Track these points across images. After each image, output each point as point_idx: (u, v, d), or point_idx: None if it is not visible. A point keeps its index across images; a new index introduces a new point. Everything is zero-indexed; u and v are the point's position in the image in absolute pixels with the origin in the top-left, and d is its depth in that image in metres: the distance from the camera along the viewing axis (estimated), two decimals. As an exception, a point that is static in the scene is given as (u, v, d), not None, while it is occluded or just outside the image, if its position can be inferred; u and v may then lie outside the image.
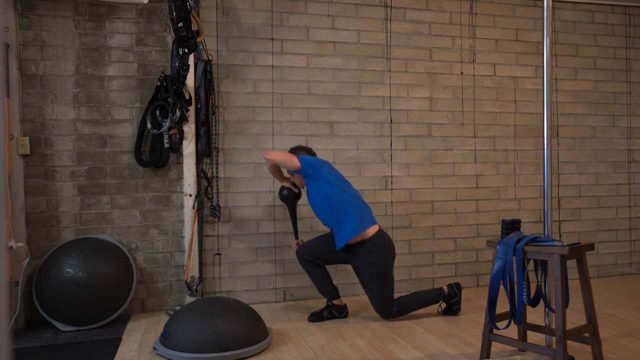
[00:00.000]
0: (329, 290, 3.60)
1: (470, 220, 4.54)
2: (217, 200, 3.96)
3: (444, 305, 3.85)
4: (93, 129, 3.78)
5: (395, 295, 4.11)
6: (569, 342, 2.97)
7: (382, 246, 3.43)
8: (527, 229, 4.65)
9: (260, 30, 4.09)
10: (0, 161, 0.94)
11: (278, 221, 4.11)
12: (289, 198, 3.66)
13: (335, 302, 3.62)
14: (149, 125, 3.72)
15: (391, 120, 4.34)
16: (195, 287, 3.80)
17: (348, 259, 3.54)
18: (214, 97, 3.95)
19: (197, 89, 3.86)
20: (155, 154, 3.76)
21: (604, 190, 4.89)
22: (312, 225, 4.14)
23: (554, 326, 2.75)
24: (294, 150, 3.61)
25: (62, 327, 3.41)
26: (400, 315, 3.53)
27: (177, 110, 3.72)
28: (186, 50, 3.48)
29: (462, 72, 4.51)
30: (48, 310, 3.40)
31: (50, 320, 3.42)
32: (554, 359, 2.50)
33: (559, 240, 2.65)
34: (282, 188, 3.67)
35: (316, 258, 3.57)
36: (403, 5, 4.37)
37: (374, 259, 3.41)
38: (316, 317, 3.56)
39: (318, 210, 3.49)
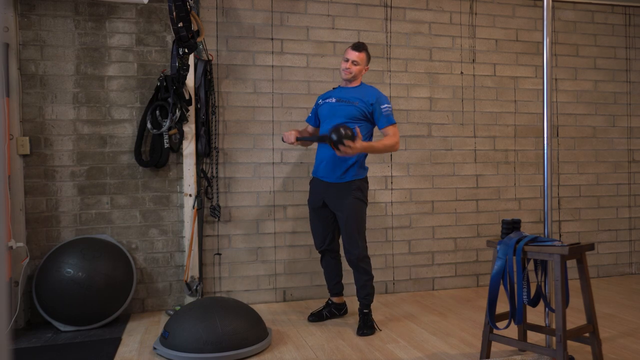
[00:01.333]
0: (332, 286, 3.61)
1: (470, 220, 4.54)
2: (217, 200, 3.96)
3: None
4: (93, 129, 3.78)
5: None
6: (569, 342, 2.96)
7: (367, 185, 3.47)
8: (527, 229, 4.64)
9: (260, 30, 4.08)
10: (0, 161, 0.94)
11: (278, 221, 4.10)
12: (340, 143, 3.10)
13: (335, 299, 3.63)
14: (149, 125, 3.72)
15: (391, 120, 4.33)
16: (195, 287, 3.80)
17: (333, 199, 3.38)
18: (214, 97, 3.95)
19: (197, 89, 3.86)
20: (155, 154, 3.76)
21: (604, 190, 4.89)
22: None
23: (554, 326, 2.75)
24: (368, 55, 3.43)
25: (62, 327, 3.41)
26: (367, 268, 3.41)
27: (177, 110, 3.71)
28: (186, 50, 3.48)
29: (462, 72, 4.51)
30: (48, 310, 3.40)
31: (50, 320, 3.42)
32: (554, 359, 2.50)
33: (559, 240, 2.65)
34: (340, 129, 3.12)
35: (330, 240, 3.51)
36: (403, 5, 4.37)
37: (362, 196, 3.39)
38: (316, 317, 3.56)
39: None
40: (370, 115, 3.38)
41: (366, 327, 3.31)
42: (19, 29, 3.63)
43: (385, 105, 3.37)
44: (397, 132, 3.38)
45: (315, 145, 3.74)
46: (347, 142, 3.07)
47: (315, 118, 3.59)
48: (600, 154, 4.88)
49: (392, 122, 3.36)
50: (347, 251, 3.39)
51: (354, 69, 3.40)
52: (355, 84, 3.47)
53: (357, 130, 3.17)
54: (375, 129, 3.46)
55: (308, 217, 4.11)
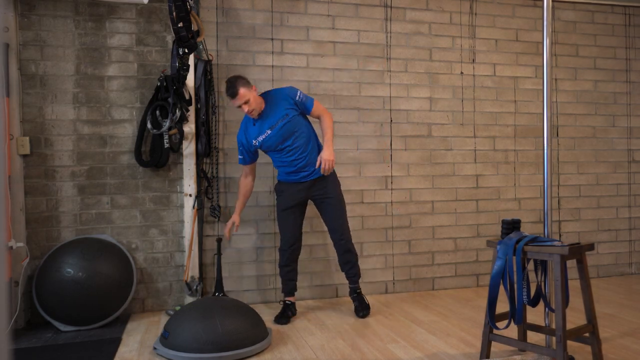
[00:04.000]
0: (294, 285, 3.72)
1: (470, 220, 4.54)
2: (217, 200, 3.96)
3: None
4: (93, 129, 3.78)
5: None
6: (569, 342, 2.96)
7: (337, 177, 3.73)
8: (527, 229, 4.64)
9: (260, 30, 4.09)
10: (0, 161, 0.94)
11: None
12: None
13: (293, 299, 3.69)
14: (149, 125, 3.72)
15: (391, 120, 4.34)
16: (195, 287, 3.80)
17: (312, 195, 3.61)
18: (214, 97, 3.95)
19: (197, 89, 3.86)
20: (156, 154, 3.76)
21: (604, 190, 4.89)
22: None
23: (554, 326, 2.75)
24: (245, 83, 3.40)
25: (62, 327, 3.41)
26: (354, 248, 3.72)
27: (177, 110, 3.71)
28: (186, 50, 3.48)
29: (462, 72, 4.51)
30: (48, 310, 3.40)
31: (50, 320, 3.42)
32: (554, 359, 2.50)
33: (559, 240, 2.65)
34: None
35: (300, 237, 3.70)
36: (403, 5, 4.37)
37: (339, 188, 3.68)
38: (286, 318, 3.55)
39: (308, 144, 3.56)
40: (299, 109, 3.55)
41: (364, 307, 3.65)
42: (19, 29, 3.63)
43: (298, 93, 3.54)
44: (320, 104, 3.63)
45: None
46: (325, 156, 3.47)
47: (251, 157, 3.63)
48: (600, 154, 4.88)
49: (313, 100, 3.59)
50: (342, 235, 3.65)
51: (252, 105, 3.41)
52: (262, 106, 3.50)
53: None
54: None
55: (307, 217, 4.12)
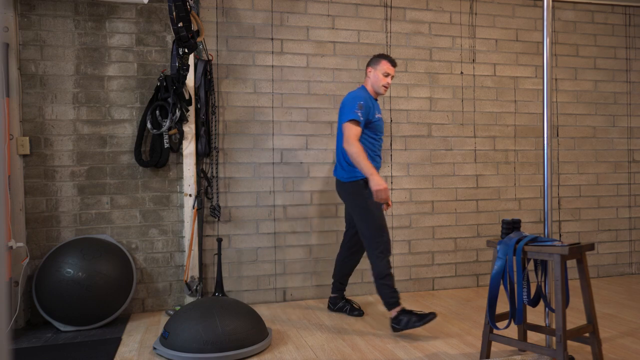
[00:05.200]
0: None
1: (470, 220, 4.54)
2: (217, 200, 3.96)
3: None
4: (93, 129, 3.78)
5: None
6: (569, 342, 2.96)
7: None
8: (527, 229, 4.64)
9: (260, 30, 4.08)
10: (0, 161, 0.94)
11: (278, 221, 4.10)
12: None
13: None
14: (149, 125, 3.72)
15: (391, 120, 4.34)
16: (195, 287, 3.80)
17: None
18: (214, 97, 3.95)
19: (197, 89, 3.86)
20: (155, 154, 3.76)
21: (604, 190, 4.89)
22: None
23: (554, 326, 2.75)
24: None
25: (62, 327, 3.41)
26: None
27: (177, 110, 3.71)
28: (186, 50, 3.48)
29: (462, 72, 4.51)
30: (48, 310, 3.40)
31: (50, 320, 3.42)
32: (554, 359, 2.50)
33: (559, 240, 2.65)
34: None
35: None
36: (403, 5, 4.37)
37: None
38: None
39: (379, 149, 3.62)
40: None
41: (357, 307, 3.75)
42: (19, 29, 3.63)
43: None
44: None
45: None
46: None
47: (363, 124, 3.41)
48: (600, 154, 4.88)
49: None
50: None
51: (391, 82, 3.55)
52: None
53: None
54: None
55: (308, 217, 4.11)
